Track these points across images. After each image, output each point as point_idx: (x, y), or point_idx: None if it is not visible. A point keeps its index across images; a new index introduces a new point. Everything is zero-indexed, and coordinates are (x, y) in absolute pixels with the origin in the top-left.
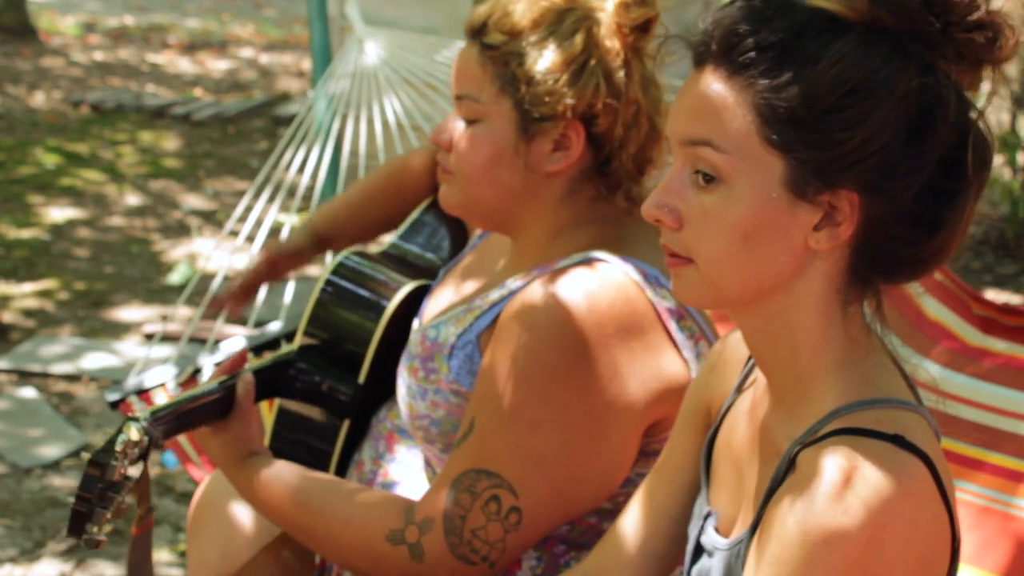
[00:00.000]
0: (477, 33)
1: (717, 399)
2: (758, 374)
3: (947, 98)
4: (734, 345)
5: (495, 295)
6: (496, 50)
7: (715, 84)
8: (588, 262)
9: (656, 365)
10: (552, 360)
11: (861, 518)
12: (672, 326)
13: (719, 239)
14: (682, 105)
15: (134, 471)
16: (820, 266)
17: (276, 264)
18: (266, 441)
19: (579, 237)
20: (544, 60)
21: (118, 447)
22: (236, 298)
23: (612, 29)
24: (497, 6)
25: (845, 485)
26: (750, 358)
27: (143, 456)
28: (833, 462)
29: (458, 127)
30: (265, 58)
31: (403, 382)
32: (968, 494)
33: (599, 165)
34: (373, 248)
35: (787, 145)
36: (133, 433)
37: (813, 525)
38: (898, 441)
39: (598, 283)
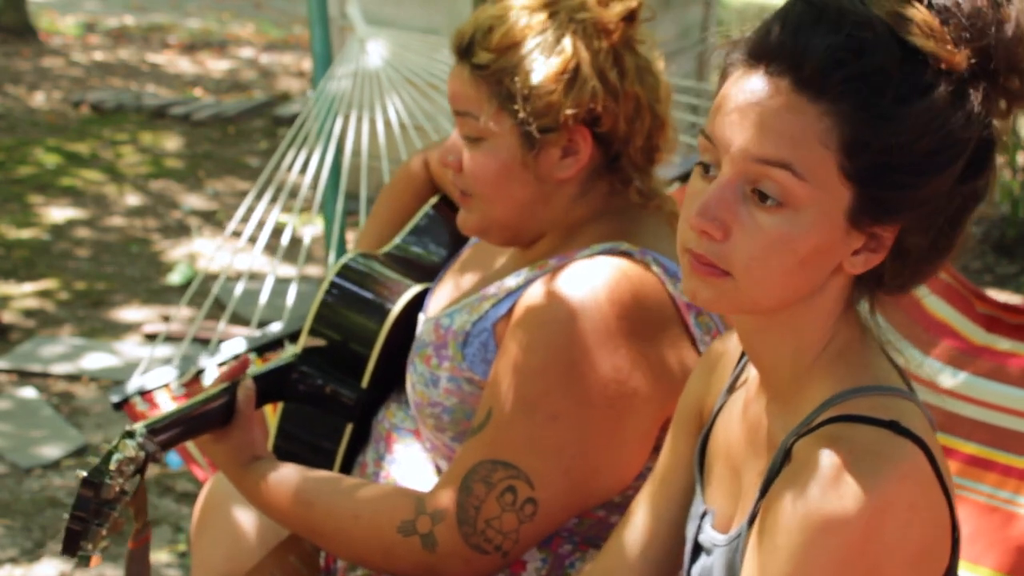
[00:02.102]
0: (464, 53)
1: (708, 401)
2: (749, 373)
3: (993, 142)
4: (723, 346)
5: (511, 282)
6: (486, 69)
7: (797, 103)
8: (608, 254)
9: (675, 359)
10: (572, 351)
11: (859, 503)
12: (691, 320)
13: (772, 260)
14: (749, 117)
15: (130, 486)
16: (840, 281)
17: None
18: (271, 441)
19: (596, 229)
20: (536, 74)
21: (112, 465)
22: None
23: (596, 28)
24: (479, 24)
25: (841, 471)
26: (741, 358)
27: (139, 471)
28: (829, 449)
29: (464, 147)
30: (265, 58)
31: (413, 370)
32: (975, 493)
33: (609, 162)
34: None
35: (867, 179)
36: (128, 450)
37: (811, 512)
38: (893, 427)
39: (619, 275)
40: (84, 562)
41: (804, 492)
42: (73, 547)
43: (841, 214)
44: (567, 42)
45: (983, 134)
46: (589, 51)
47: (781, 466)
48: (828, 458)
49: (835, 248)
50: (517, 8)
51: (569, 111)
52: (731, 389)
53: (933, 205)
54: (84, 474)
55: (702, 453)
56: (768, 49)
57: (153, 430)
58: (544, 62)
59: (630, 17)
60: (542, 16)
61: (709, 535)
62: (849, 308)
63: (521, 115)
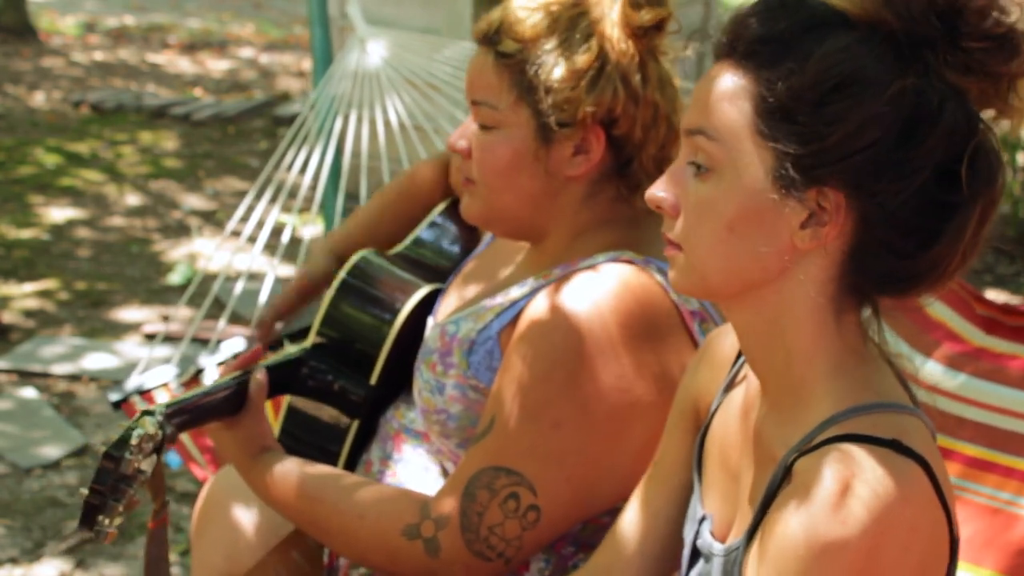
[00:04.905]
0: (490, 40)
1: (706, 398)
2: (747, 373)
3: (942, 104)
4: (720, 343)
5: (516, 292)
6: (511, 58)
7: (721, 75)
8: (612, 262)
9: (679, 367)
10: (575, 360)
11: (861, 527)
12: (695, 328)
13: (706, 228)
14: (692, 99)
15: (147, 465)
16: (810, 270)
17: (308, 291)
18: None
19: (601, 238)
20: (560, 68)
21: (133, 440)
22: (266, 326)
23: (625, 32)
24: (508, 12)
25: (843, 494)
26: (738, 357)
27: (157, 450)
28: (830, 470)
29: (476, 134)
30: (265, 58)
31: (420, 377)
32: (976, 495)
33: (619, 167)
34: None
35: (774, 136)
36: (148, 427)
37: (812, 536)
38: (895, 446)
39: (622, 284)
40: (101, 536)
41: (805, 515)
42: (91, 520)
43: (763, 177)
44: (594, 41)
45: (904, 87)
46: (615, 53)
47: (781, 483)
48: (829, 480)
49: (768, 216)
50: (549, 2)
51: (588, 108)
52: (728, 388)
53: (860, 162)
54: (105, 448)
55: (699, 452)
56: (714, 42)
57: (170, 411)
58: (569, 58)
59: (659, 26)
60: (573, 13)
61: (707, 541)
62: (840, 314)
63: (541, 106)
